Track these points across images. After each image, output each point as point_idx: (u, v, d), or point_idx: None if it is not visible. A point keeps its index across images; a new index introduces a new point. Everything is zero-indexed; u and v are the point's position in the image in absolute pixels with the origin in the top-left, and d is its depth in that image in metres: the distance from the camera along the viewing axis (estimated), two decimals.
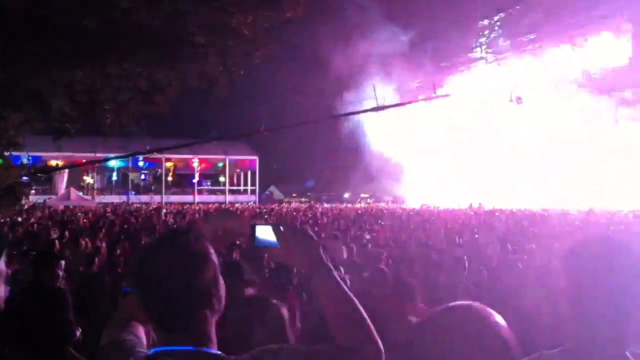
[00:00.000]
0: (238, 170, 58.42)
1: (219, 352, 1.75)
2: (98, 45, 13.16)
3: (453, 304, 1.58)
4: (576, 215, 21.31)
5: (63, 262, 5.35)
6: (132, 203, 42.38)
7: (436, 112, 45.55)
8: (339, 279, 1.86)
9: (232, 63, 15.58)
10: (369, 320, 1.78)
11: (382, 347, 1.75)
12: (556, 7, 32.90)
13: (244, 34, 14.71)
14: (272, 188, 62.75)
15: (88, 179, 53.15)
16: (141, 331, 2.07)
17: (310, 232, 1.97)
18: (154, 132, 48.53)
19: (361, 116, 40.45)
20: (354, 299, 1.81)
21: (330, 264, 1.88)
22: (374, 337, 1.75)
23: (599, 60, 32.50)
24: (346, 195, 56.26)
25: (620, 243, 1.88)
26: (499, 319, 1.51)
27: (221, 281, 1.83)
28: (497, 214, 21.27)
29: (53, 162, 49.01)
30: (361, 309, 1.80)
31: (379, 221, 18.03)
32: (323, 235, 11.28)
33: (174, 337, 1.73)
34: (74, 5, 12.47)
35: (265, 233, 1.98)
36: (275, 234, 1.94)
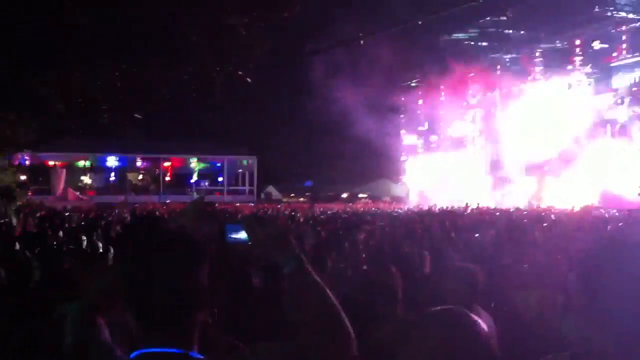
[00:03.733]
0: (236, 170, 58.38)
1: (204, 357, 1.72)
2: (93, 44, 13.08)
3: (437, 308, 1.56)
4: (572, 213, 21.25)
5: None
6: (130, 203, 42.29)
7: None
8: (310, 269, 1.85)
9: (229, 64, 15.50)
10: (341, 311, 1.77)
11: (354, 337, 1.76)
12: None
13: (241, 34, 14.64)
14: (270, 188, 62.73)
15: (86, 179, 53.13)
16: (106, 328, 1.99)
17: (280, 225, 1.99)
18: (152, 132, 48.69)
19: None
20: (326, 289, 1.81)
21: (302, 255, 1.88)
22: (347, 327, 1.75)
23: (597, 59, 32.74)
24: (344, 195, 56.23)
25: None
26: (481, 324, 1.48)
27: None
28: (497, 213, 21.16)
29: (51, 162, 49.07)
30: (334, 299, 1.79)
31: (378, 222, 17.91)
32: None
33: (163, 338, 1.68)
34: (69, 3, 12.39)
35: (235, 230, 2.00)
36: (246, 229, 1.95)
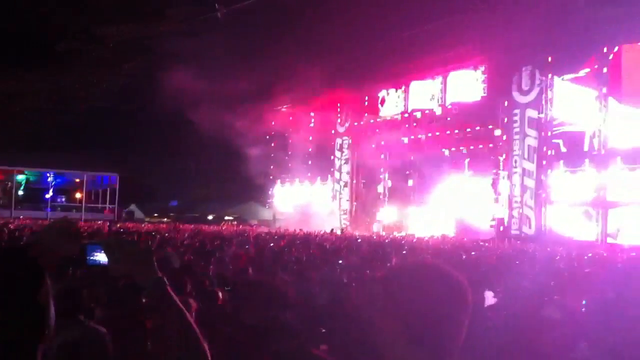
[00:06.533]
0: (96, 186, 56.06)
1: None
2: None
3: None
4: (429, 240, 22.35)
5: None
6: None
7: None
8: (171, 292, 1.87)
9: (98, 74, 14.94)
10: (199, 334, 1.81)
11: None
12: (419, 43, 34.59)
13: (110, 45, 14.19)
14: (133, 207, 60.76)
15: None
16: None
17: (142, 245, 1.96)
18: (5, 143, 45.77)
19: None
20: (186, 312, 1.84)
21: (164, 277, 1.88)
22: (203, 350, 1.79)
23: (456, 96, 34.51)
24: (210, 217, 55.54)
25: (435, 270, 1.88)
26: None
27: (52, 308, 1.68)
28: (359, 240, 21.74)
29: None
30: (192, 321, 1.82)
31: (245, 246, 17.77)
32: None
33: None
34: None
35: (96, 251, 1.94)
36: (106, 251, 1.90)
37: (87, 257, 1.95)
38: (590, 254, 15.66)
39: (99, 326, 4.31)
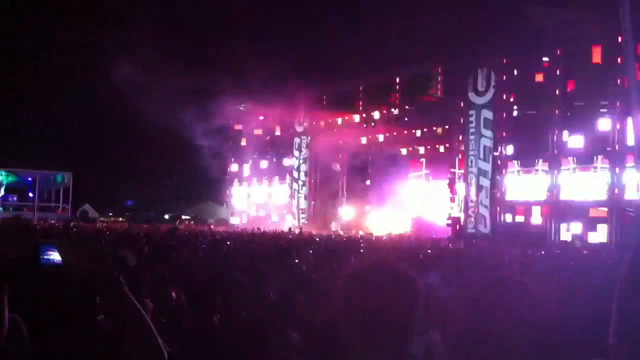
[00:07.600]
0: (49, 185, 54.92)
1: None
2: None
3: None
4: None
5: None
6: None
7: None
8: (127, 291, 1.82)
9: (53, 74, 14.61)
10: (156, 334, 1.79)
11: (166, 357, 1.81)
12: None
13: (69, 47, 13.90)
14: (87, 206, 59.68)
15: None
16: None
17: (98, 244, 1.92)
18: None
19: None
20: (142, 311, 1.81)
21: (120, 277, 1.82)
22: (161, 351, 1.78)
23: (413, 96, 34.87)
24: (167, 217, 54.92)
25: (387, 267, 1.93)
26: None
27: (6, 307, 1.64)
28: (317, 238, 21.75)
29: None
30: (149, 322, 1.80)
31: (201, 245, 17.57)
32: None
33: None
34: None
35: (50, 251, 1.88)
36: (60, 250, 1.85)
37: (40, 256, 1.88)
38: (543, 252, 15.94)
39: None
